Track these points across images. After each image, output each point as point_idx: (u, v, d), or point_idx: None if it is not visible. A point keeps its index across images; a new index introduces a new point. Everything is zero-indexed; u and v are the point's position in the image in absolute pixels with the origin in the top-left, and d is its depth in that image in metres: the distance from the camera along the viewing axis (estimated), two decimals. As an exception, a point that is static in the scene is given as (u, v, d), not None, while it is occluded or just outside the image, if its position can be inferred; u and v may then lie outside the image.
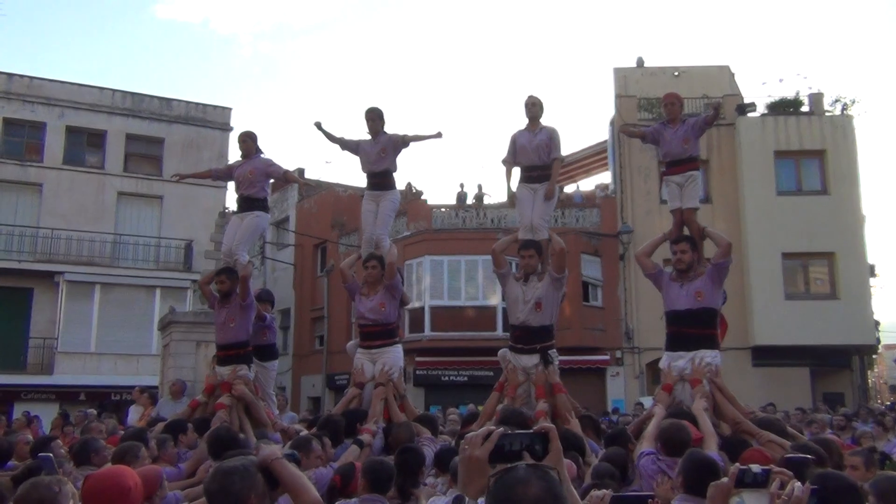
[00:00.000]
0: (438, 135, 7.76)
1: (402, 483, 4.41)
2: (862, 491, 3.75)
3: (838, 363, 22.56)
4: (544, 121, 7.46)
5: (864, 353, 24.43)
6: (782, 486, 2.73)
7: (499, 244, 7.20)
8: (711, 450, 4.88)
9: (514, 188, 7.50)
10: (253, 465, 2.92)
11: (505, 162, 7.56)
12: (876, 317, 24.06)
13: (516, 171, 7.51)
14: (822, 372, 22.24)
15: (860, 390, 23.89)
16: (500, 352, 7.07)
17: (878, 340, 27.06)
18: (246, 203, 8.11)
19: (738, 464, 2.86)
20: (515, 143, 7.39)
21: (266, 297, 8.80)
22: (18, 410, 18.77)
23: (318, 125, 7.96)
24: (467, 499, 1.84)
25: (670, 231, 6.91)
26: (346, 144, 7.95)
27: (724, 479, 2.89)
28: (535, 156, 7.24)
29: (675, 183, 6.89)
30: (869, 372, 31.07)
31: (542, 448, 1.85)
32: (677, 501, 3.81)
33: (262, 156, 8.21)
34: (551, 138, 7.26)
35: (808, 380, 21.59)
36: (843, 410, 12.97)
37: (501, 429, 1.87)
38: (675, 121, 6.98)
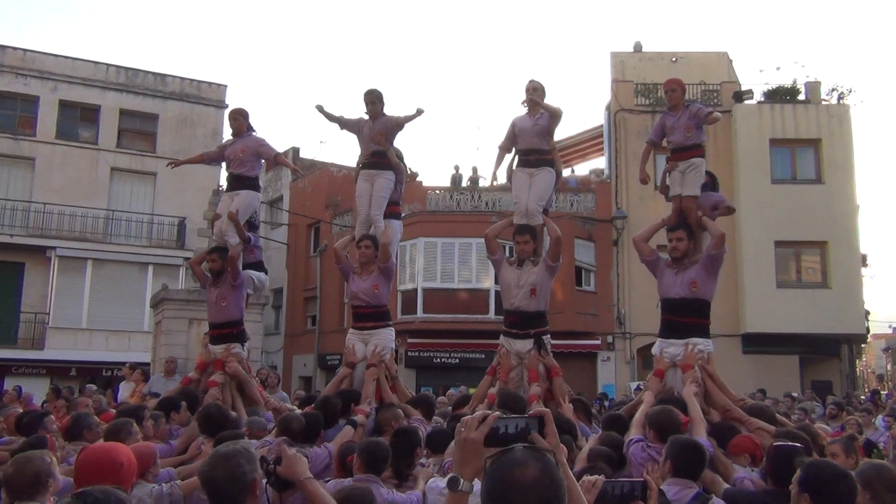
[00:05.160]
0: (420, 111, 7.65)
1: (397, 464, 4.45)
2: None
3: (828, 352, 22.72)
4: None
5: (854, 342, 24.59)
6: None
7: (492, 229, 7.15)
8: (700, 435, 4.92)
9: (500, 174, 7.47)
10: (252, 448, 2.90)
11: (501, 147, 7.52)
12: (866, 306, 24.24)
13: (507, 160, 7.46)
14: (812, 360, 22.40)
15: (848, 379, 24.09)
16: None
17: (868, 330, 27.25)
18: (236, 181, 8.04)
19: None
20: (515, 126, 7.33)
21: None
22: (9, 384, 18.76)
23: (320, 108, 7.89)
24: (462, 480, 1.86)
25: (669, 217, 6.89)
26: (346, 123, 7.87)
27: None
28: (536, 139, 7.19)
29: (676, 170, 6.85)
30: (857, 361, 31.31)
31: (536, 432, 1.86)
32: (667, 486, 3.85)
33: (253, 134, 8.14)
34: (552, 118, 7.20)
35: (797, 367, 21.75)
36: (832, 399, 13.06)
37: (497, 412, 1.89)
38: (677, 108, 6.90)
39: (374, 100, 7.62)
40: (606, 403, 14.36)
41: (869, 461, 4.19)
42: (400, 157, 7.85)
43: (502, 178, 8.61)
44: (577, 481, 2.43)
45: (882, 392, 20.20)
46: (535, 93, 7.16)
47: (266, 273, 8.69)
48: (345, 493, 3.61)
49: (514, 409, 4.98)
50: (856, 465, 4.33)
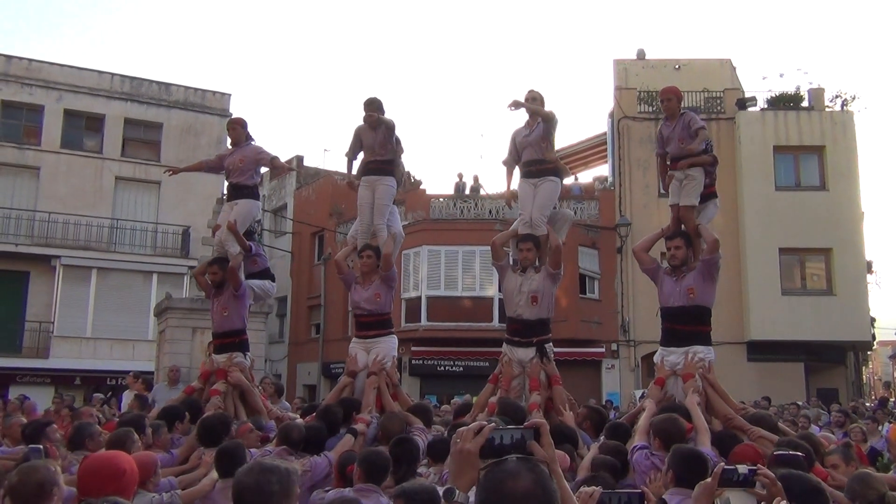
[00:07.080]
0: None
1: (399, 472, 4.44)
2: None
3: (833, 359, 22.63)
4: None
5: (859, 349, 24.48)
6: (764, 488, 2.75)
7: (499, 237, 7.24)
8: (705, 444, 4.91)
9: (514, 188, 7.49)
10: (295, 473, 2.81)
11: (505, 163, 7.53)
12: (872, 313, 24.11)
13: (517, 175, 7.47)
14: (817, 367, 22.30)
15: (854, 386, 23.97)
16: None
17: (874, 337, 27.11)
18: (236, 191, 8.11)
19: (723, 464, 2.89)
20: (515, 141, 7.36)
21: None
22: (14, 393, 18.78)
23: (351, 184, 7.92)
24: (458, 491, 1.85)
25: (668, 227, 6.92)
26: (355, 150, 7.92)
27: (709, 479, 2.90)
28: (535, 150, 7.21)
29: (676, 178, 6.87)
30: (863, 368, 31.17)
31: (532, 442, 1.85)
32: (669, 495, 3.84)
33: (252, 143, 8.22)
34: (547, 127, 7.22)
35: (802, 375, 21.63)
36: (837, 407, 12.99)
37: (493, 423, 1.88)
38: (674, 117, 6.93)
39: (374, 109, 7.66)
40: (612, 413, 14.33)
41: (856, 473, 4.18)
42: (398, 145, 7.89)
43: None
44: (579, 490, 2.43)
45: (890, 399, 20.02)
46: (533, 102, 7.18)
47: (273, 280, 8.71)
48: None
49: (514, 418, 4.97)
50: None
